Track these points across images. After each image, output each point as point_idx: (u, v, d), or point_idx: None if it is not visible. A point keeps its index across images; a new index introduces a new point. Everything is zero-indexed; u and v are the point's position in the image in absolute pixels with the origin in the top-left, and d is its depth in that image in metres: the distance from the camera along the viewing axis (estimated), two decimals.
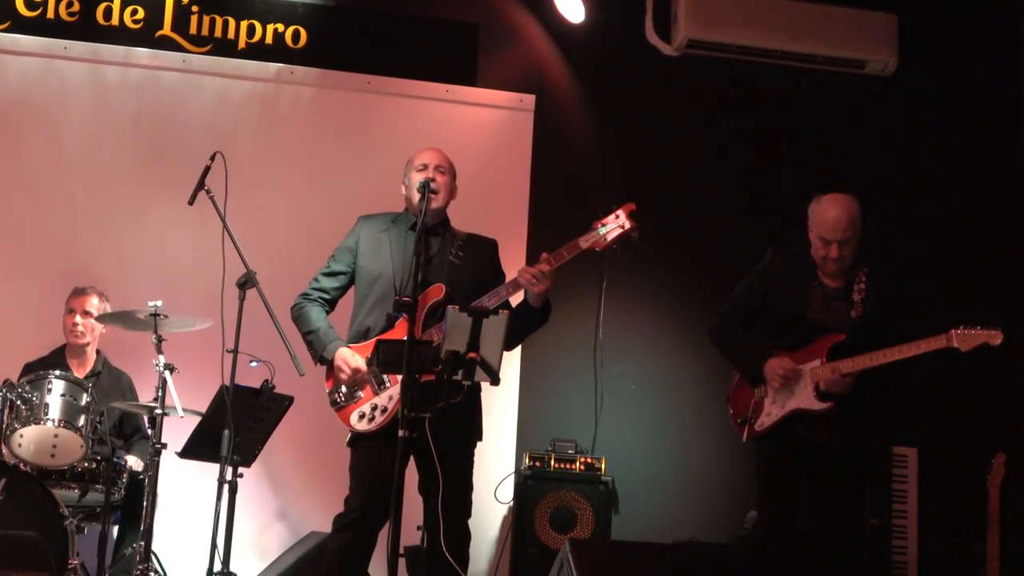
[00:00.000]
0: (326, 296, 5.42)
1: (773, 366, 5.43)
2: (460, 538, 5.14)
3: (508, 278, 5.24)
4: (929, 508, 6.96)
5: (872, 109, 7.79)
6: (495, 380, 4.67)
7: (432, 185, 5.17)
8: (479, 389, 5.17)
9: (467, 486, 5.26)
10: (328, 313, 5.41)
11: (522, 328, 5.19)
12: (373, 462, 5.13)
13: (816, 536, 5.48)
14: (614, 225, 5.04)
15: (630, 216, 5.04)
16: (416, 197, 5.20)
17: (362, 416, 5.15)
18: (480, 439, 5.33)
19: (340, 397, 5.21)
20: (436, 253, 5.25)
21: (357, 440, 5.23)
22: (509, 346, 4.91)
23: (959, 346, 5.12)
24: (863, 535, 6.49)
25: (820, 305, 5.48)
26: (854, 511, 5.57)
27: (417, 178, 5.24)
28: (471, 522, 5.27)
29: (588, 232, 5.08)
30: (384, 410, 5.12)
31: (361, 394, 5.18)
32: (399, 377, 4.99)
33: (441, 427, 4.68)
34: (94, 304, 6.55)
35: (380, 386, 5.16)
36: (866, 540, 6.62)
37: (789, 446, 5.47)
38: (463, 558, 5.12)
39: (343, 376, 5.18)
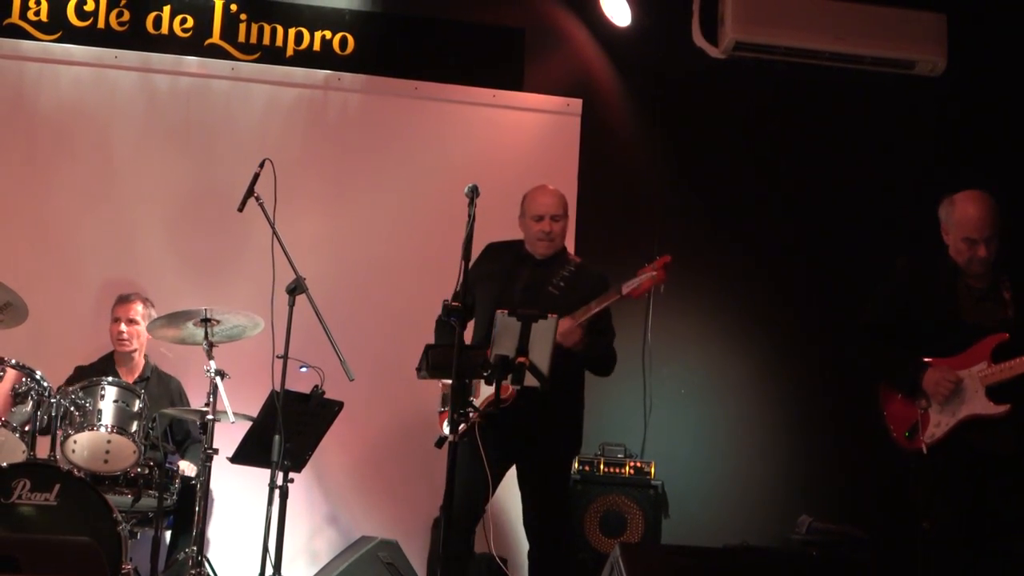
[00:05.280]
0: None
1: (936, 378, 5.19)
2: (553, 541, 5.52)
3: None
4: None
5: (921, 110, 7.72)
6: (544, 384, 4.70)
7: (550, 235, 5.65)
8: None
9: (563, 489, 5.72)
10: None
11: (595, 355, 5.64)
12: (461, 466, 5.18)
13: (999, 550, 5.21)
14: (648, 275, 5.35)
15: (663, 268, 5.35)
16: (536, 245, 5.68)
17: None
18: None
19: (444, 404, 5.49)
20: (537, 282, 5.58)
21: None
22: (605, 371, 5.79)
23: None
24: None
25: (971, 307, 5.28)
26: None
27: (534, 228, 5.67)
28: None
29: (631, 279, 5.38)
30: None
31: None
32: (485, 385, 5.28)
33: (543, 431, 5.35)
34: (139, 311, 6.57)
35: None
36: None
37: (963, 456, 5.18)
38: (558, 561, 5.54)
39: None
